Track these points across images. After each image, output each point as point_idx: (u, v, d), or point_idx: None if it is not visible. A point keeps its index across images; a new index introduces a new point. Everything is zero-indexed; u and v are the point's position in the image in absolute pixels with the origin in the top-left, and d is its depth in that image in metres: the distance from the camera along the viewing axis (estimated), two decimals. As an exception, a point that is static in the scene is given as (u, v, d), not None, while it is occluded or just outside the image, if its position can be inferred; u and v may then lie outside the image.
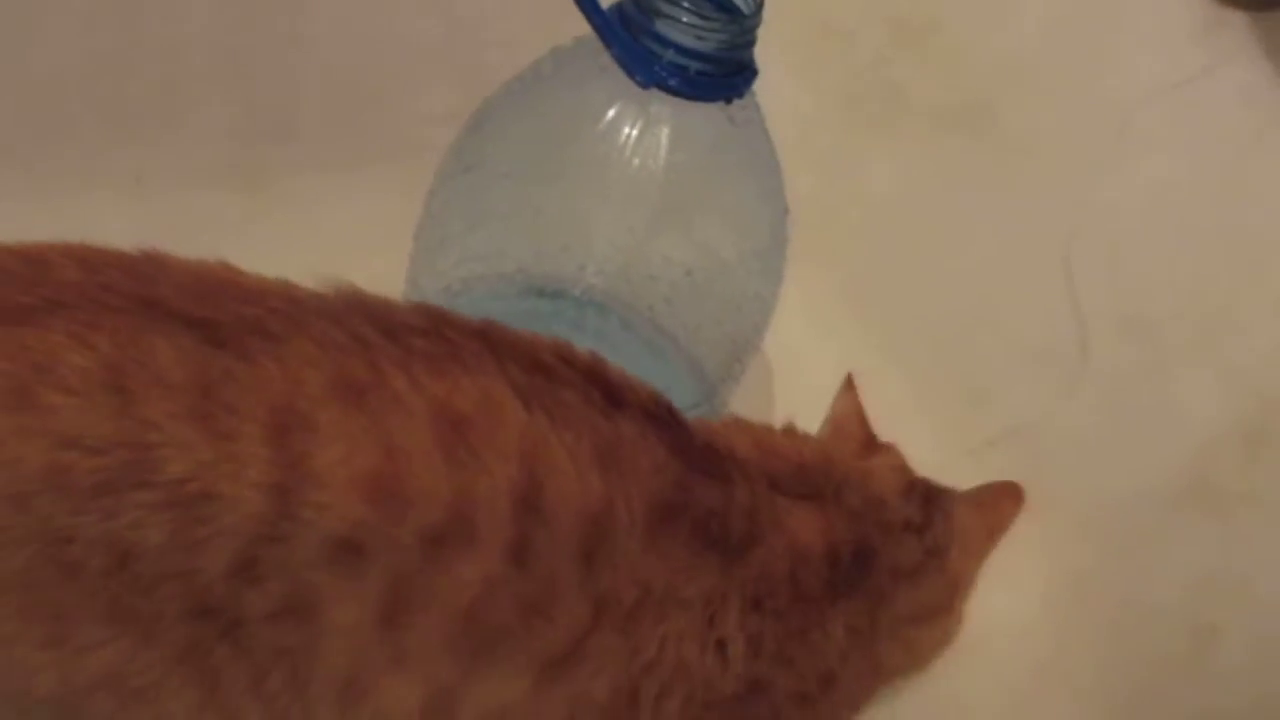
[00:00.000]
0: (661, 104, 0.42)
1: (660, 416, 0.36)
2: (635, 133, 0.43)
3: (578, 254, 0.44)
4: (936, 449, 0.65)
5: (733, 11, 0.42)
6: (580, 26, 0.45)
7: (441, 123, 0.69)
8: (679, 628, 0.35)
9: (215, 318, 0.31)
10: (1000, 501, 0.47)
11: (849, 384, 0.51)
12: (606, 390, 0.35)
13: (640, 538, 0.34)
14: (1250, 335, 0.56)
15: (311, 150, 0.67)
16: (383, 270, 0.56)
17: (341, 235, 0.66)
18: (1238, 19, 0.55)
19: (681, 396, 0.47)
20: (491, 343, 0.34)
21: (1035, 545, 0.61)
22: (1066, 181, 0.64)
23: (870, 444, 0.47)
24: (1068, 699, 0.55)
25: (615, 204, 0.43)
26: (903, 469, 0.45)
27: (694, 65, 0.41)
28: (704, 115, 0.43)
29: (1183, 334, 0.59)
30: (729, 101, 0.43)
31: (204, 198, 0.64)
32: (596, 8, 0.41)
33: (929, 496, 0.43)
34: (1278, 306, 0.54)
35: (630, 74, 0.41)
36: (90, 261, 0.33)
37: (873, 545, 0.40)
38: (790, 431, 0.42)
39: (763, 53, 0.46)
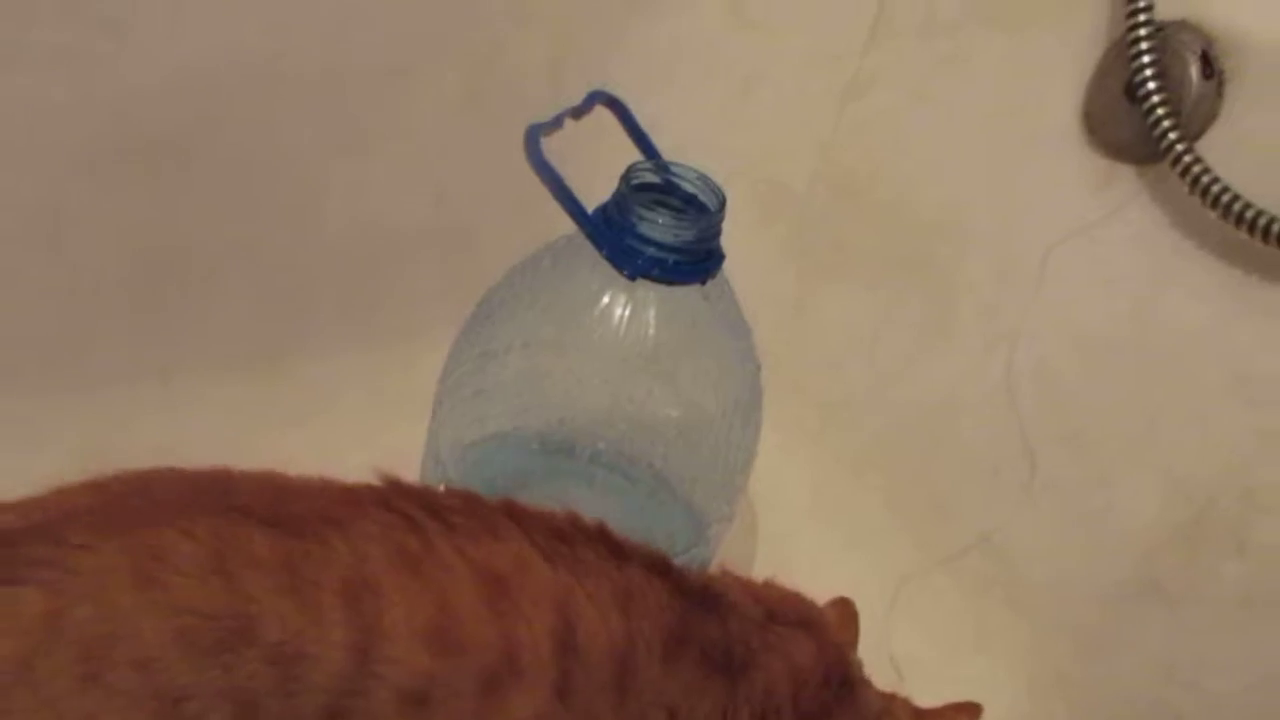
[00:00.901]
0: (647, 290, 0.49)
1: (660, 566, 0.42)
2: (626, 314, 0.49)
3: (583, 420, 0.50)
4: (913, 559, 0.71)
5: (701, 210, 0.50)
6: (559, 215, 0.52)
7: (438, 299, 0.76)
8: None
9: (288, 513, 0.37)
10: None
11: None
12: (614, 547, 0.41)
13: (659, 664, 0.39)
14: (1176, 444, 0.62)
15: (323, 336, 0.73)
16: (394, 443, 0.62)
17: (355, 413, 0.71)
18: (1127, 171, 0.64)
19: (680, 538, 0.53)
20: (516, 516, 0.40)
21: (1020, 648, 0.67)
22: (999, 315, 0.71)
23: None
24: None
25: (613, 375, 0.50)
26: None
27: (672, 257, 0.48)
28: (684, 295, 0.50)
29: (1118, 446, 0.65)
30: (704, 282, 0.50)
31: (226, 388, 0.70)
32: (587, 218, 0.48)
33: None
34: (1194, 418, 0.61)
35: (618, 268, 0.49)
36: (180, 480, 0.39)
37: (853, 675, 0.46)
38: (771, 583, 0.47)
39: (730, 217, 0.52)
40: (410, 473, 0.59)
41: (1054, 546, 0.67)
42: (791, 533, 0.73)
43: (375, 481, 0.40)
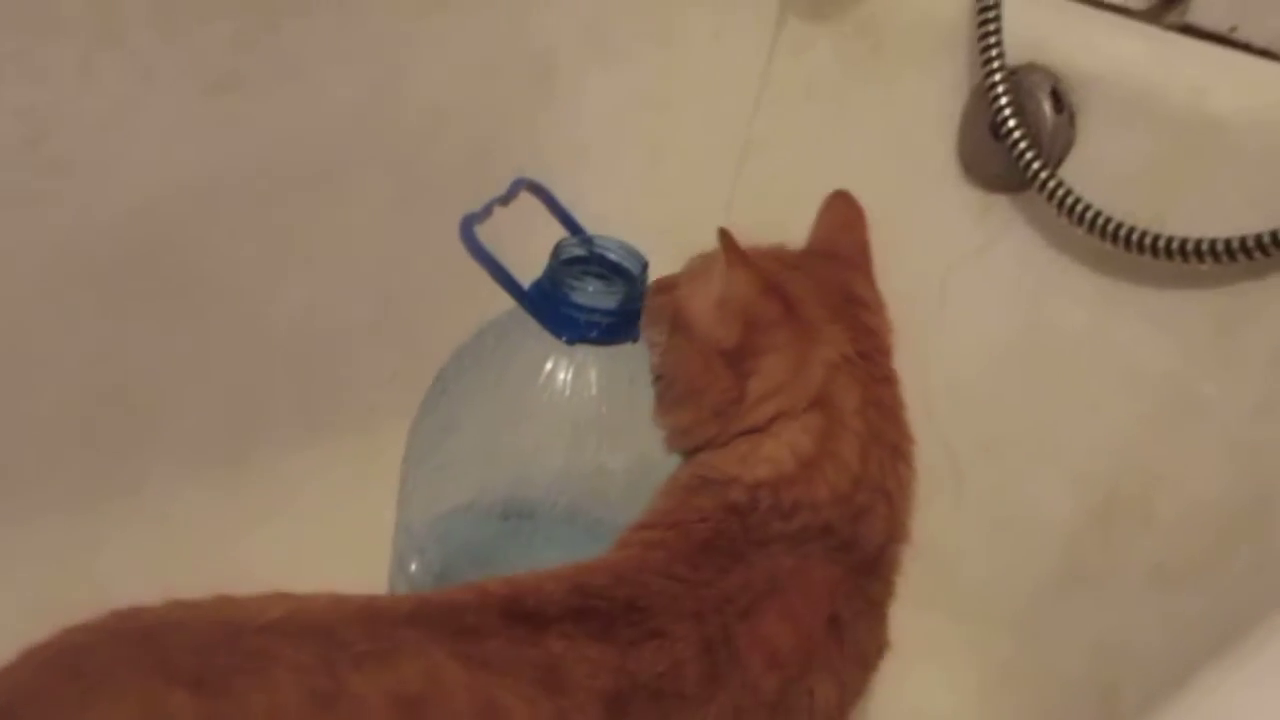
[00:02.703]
0: (586, 352, 0.54)
1: (582, 608, 0.41)
2: (569, 377, 0.54)
3: (541, 480, 0.55)
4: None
5: (626, 275, 0.55)
6: (496, 290, 0.55)
7: (390, 387, 0.80)
8: None
9: (212, 666, 0.37)
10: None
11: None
12: (527, 617, 0.40)
13: None
14: (1078, 437, 0.68)
15: (282, 435, 0.76)
16: (359, 529, 0.66)
17: (318, 505, 0.75)
18: (1003, 200, 0.71)
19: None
20: (420, 621, 0.39)
21: (965, 646, 0.71)
22: (911, 339, 0.77)
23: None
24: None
25: (564, 435, 0.54)
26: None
27: (605, 320, 0.54)
28: (620, 354, 0.55)
29: (1030, 446, 0.71)
30: (636, 340, 0.55)
31: (192, 495, 0.72)
32: (524, 293, 0.53)
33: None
34: (1090, 412, 0.67)
35: (558, 335, 0.53)
36: (116, 640, 0.39)
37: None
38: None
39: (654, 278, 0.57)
40: (380, 552, 0.63)
41: (985, 549, 0.72)
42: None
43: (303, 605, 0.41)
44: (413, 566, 0.58)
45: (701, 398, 0.48)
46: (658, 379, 0.50)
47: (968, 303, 0.72)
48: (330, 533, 0.71)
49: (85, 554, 0.68)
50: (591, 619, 0.41)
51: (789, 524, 0.45)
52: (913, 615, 0.73)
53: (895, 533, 0.49)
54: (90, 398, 0.69)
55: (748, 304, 0.47)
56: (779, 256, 0.52)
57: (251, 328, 0.74)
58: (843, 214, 0.56)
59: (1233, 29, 0.66)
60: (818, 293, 0.50)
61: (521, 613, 0.40)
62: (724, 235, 0.47)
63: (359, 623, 0.39)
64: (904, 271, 0.77)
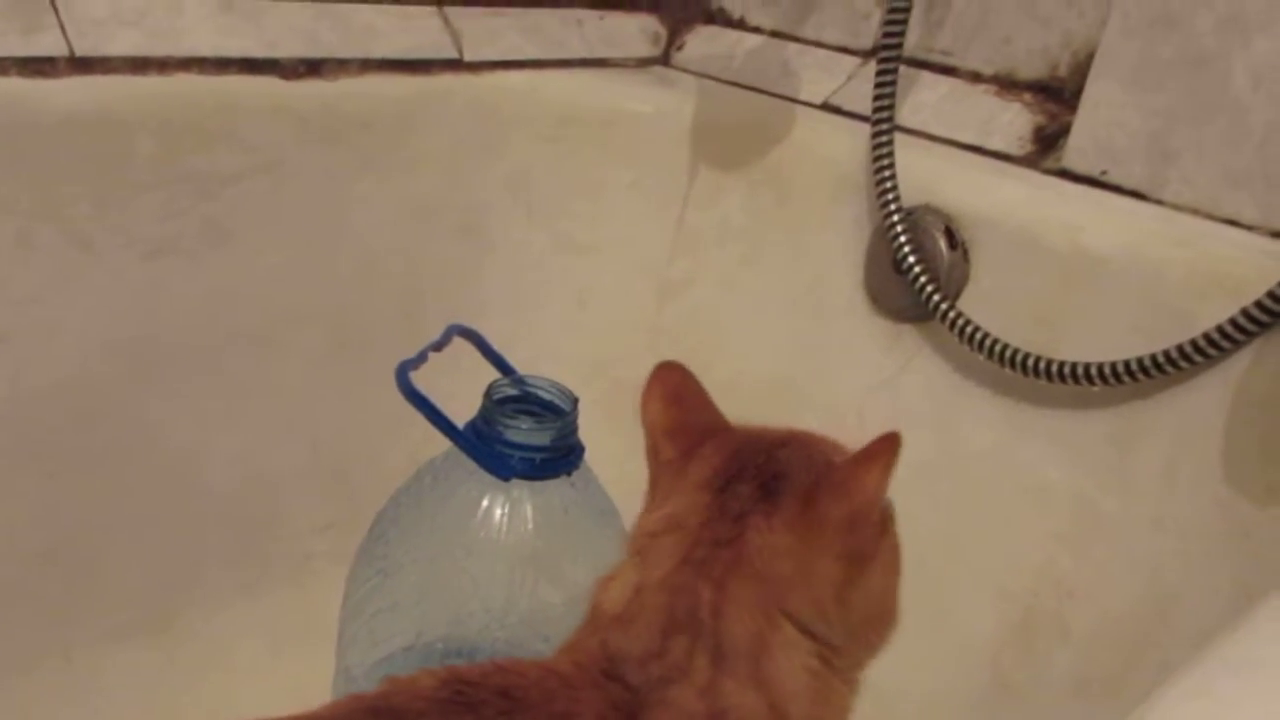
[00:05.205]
0: (521, 488, 0.56)
1: (450, 699, 0.40)
2: (506, 513, 0.56)
3: (481, 616, 0.55)
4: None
5: (558, 412, 0.58)
6: (428, 434, 0.58)
7: (323, 536, 0.81)
8: None
9: None
10: None
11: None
12: (391, 716, 0.39)
13: None
14: (994, 553, 0.71)
15: (215, 590, 0.76)
16: (296, 680, 0.65)
17: (254, 658, 0.74)
18: (909, 330, 0.76)
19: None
20: None
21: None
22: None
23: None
24: None
25: (502, 571, 0.56)
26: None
27: (538, 456, 0.56)
28: (554, 488, 0.57)
29: (953, 565, 0.73)
30: (570, 474, 0.57)
31: (126, 657, 0.71)
32: (460, 434, 0.55)
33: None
34: (1003, 528, 0.71)
35: (493, 473, 0.55)
36: None
37: None
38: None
39: (584, 414, 0.59)
40: (319, 701, 0.62)
41: (918, 667, 0.74)
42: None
43: None
44: (351, 712, 0.57)
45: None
46: None
47: (883, 427, 0.75)
48: (267, 686, 0.70)
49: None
50: (457, 710, 0.40)
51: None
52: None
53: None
54: (21, 561, 0.68)
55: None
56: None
57: (184, 486, 0.74)
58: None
59: (1103, 172, 0.73)
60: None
61: (387, 711, 0.40)
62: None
63: None
64: (826, 398, 0.82)
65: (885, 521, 0.46)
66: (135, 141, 0.67)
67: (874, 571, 0.45)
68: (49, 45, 0.65)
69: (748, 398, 0.85)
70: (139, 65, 0.68)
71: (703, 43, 0.97)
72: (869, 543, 0.44)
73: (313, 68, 0.75)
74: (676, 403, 0.48)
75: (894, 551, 0.47)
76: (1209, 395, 0.62)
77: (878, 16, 0.85)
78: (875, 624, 0.47)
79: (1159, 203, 0.70)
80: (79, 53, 0.66)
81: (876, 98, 0.76)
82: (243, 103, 0.72)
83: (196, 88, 0.70)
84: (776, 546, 0.43)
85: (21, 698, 0.66)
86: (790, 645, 0.42)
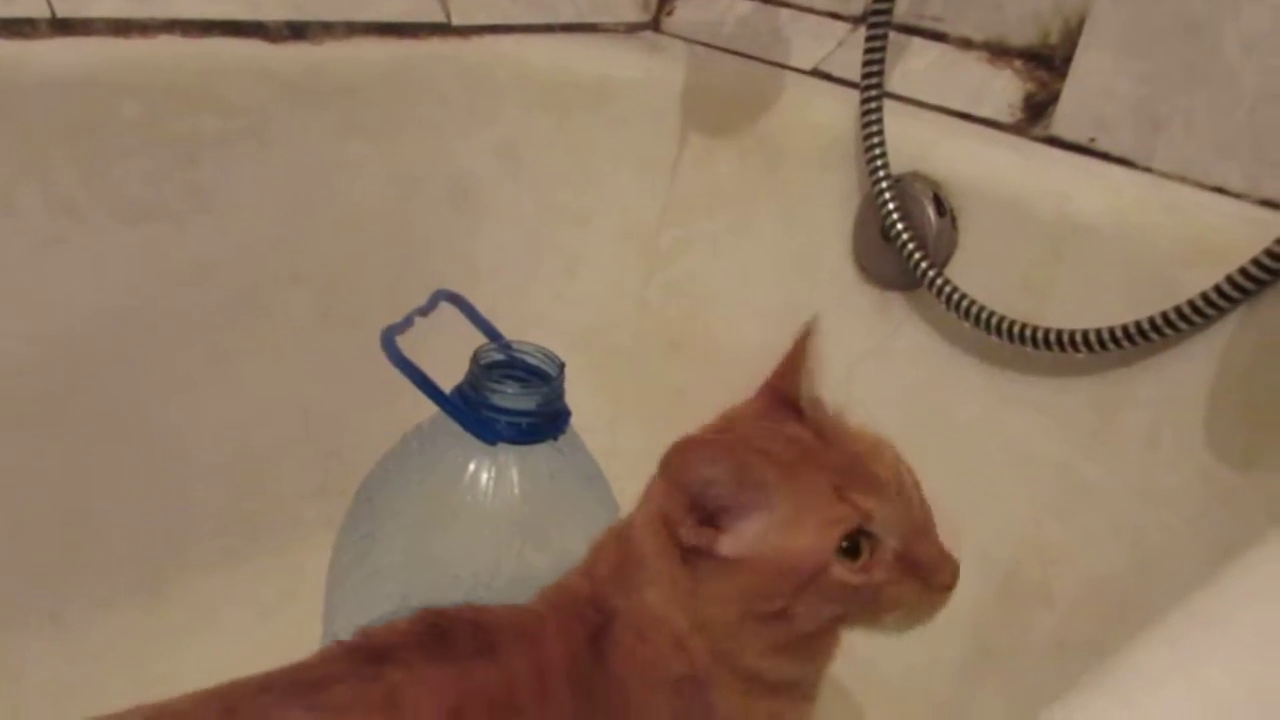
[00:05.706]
0: (507, 453, 0.56)
1: (425, 633, 0.45)
2: (491, 478, 0.56)
3: (467, 581, 0.56)
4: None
5: (544, 377, 0.58)
6: (416, 399, 0.58)
7: (312, 502, 0.81)
8: None
9: None
10: None
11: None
12: (372, 656, 0.45)
13: None
14: (980, 521, 0.72)
15: (203, 554, 0.76)
16: (282, 645, 0.65)
17: (241, 622, 0.74)
18: (898, 298, 0.76)
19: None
20: (271, 690, 0.44)
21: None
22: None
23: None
24: None
25: (488, 535, 0.56)
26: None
27: (524, 420, 0.56)
28: (540, 453, 0.57)
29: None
30: (556, 439, 0.58)
31: (114, 619, 0.72)
32: (446, 399, 0.55)
33: None
34: (989, 496, 0.71)
35: (479, 437, 0.55)
36: None
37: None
38: None
39: (571, 380, 0.60)
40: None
41: (902, 639, 0.75)
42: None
43: None
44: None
45: None
46: None
47: (873, 393, 0.76)
48: (255, 650, 0.70)
49: (4, 683, 0.66)
50: (434, 643, 0.45)
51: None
52: (839, 706, 0.75)
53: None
54: (9, 526, 0.68)
55: None
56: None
57: (172, 451, 0.74)
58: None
59: (1092, 140, 0.73)
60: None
61: (367, 651, 0.45)
62: None
63: (212, 704, 0.43)
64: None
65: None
66: (118, 105, 0.67)
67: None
68: (30, 6, 0.64)
69: (729, 366, 0.86)
70: (121, 27, 0.67)
71: (693, 8, 0.96)
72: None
73: (298, 31, 0.75)
74: None
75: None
76: (1193, 363, 0.62)
77: (868, -18, 0.84)
78: None
79: (1147, 170, 0.70)
80: (60, 14, 0.65)
81: (866, 64, 0.76)
82: (227, 66, 0.71)
83: (180, 50, 0.69)
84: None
85: (10, 662, 0.66)
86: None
